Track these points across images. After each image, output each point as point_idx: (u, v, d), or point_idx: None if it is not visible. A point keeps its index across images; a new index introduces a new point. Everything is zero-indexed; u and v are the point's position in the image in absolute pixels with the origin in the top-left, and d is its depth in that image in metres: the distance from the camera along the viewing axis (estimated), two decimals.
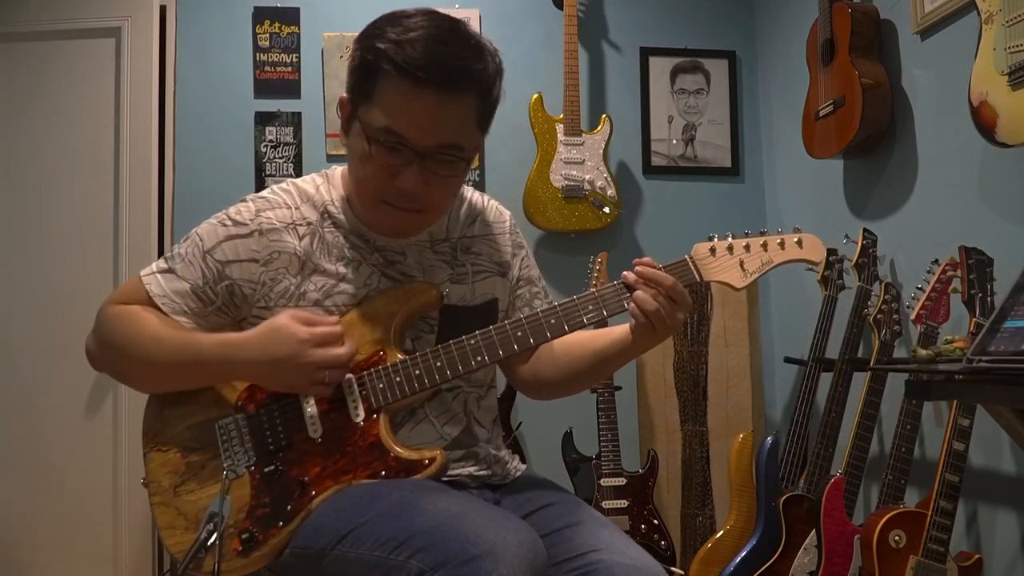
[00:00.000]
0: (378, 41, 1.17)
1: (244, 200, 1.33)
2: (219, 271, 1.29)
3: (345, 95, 1.25)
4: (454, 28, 1.20)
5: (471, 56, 1.19)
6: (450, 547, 1.01)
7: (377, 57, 1.16)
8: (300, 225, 1.31)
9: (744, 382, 2.80)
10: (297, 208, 1.32)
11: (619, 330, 1.31)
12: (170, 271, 1.30)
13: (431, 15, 1.20)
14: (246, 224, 1.29)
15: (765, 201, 3.24)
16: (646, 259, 1.25)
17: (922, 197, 2.36)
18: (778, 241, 1.28)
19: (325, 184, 1.35)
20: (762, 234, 1.29)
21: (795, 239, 1.28)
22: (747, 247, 1.27)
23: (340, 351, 1.22)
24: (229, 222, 1.30)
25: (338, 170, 1.37)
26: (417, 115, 1.18)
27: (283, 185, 1.35)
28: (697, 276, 1.26)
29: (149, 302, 1.29)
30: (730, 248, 1.27)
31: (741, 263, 1.27)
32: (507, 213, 1.47)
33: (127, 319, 1.29)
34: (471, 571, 0.98)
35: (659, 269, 1.24)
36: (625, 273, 1.25)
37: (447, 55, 1.16)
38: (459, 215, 1.40)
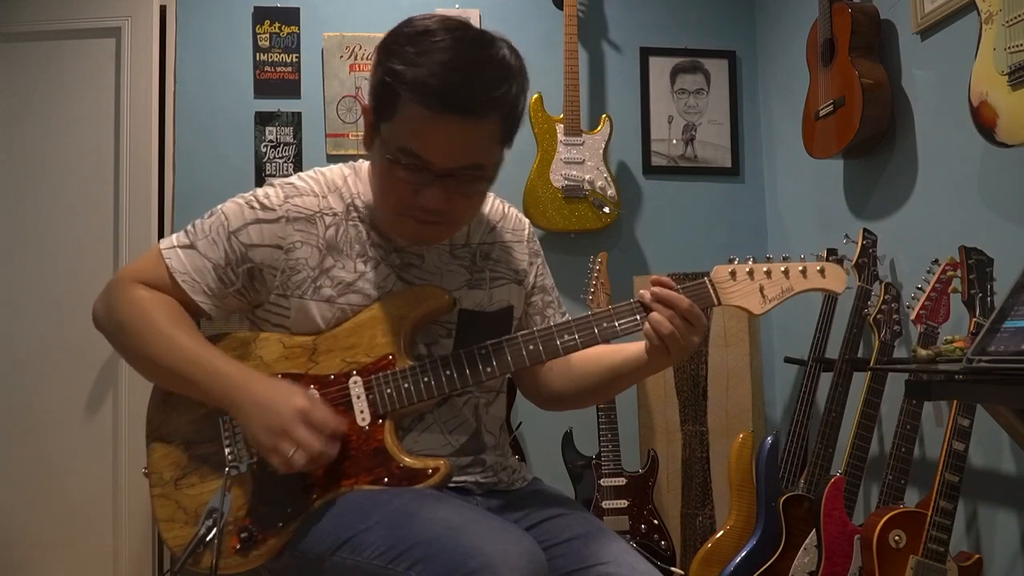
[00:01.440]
0: (397, 62, 1.15)
1: (271, 184, 1.32)
2: (243, 253, 1.27)
3: (367, 107, 1.24)
4: (475, 50, 1.16)
5: (491, 81, 1.16)
6: (449, 559, 1.01)
7: (395, 79, 1.15)
8: (327, 215, 1.30)
9: (744, 382, 2.80)
10: (324, 197, 1.31)
11: (634, 347, 1.29)
12: (192, 247, 1.28)
13: (454, 33, 1.16)
14: (274, 209, 1.28)
15: (765, 201, 3.24)
16: (664, 279, 1.23)
17: (922, 197, 2.36)
18: (800, 269, 1.26)
19: (353, 176, 1.34)
20: (784, 260, 1.27)
21: (818, 268, 1.26)
22: (768, 273, 1.26)
23: (318, 444, 1.15)
24: (257, 205, 1.28)
25: (365, 165, 1.36)
26: (437, 139, 1.16)
27: (310, 173, 1.34)
28: (715, 299, 1.24)
29: (169, 279, 1.27)
30: (751, 273, 1.25)
31: (761, 289, 1.25)
32: (526, 221, 1.48)
33: (145, 309, 1.26)
34: None
35: (676, 290, 1.22)
36: (642, 292, 1.23)
37: (465, 82, 1.14)
38: (479, 221, 1.39)
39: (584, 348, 1.25)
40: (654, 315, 1.20)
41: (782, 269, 1.26)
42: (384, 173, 1.21)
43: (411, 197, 1.20)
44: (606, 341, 1.26)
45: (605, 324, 1.24)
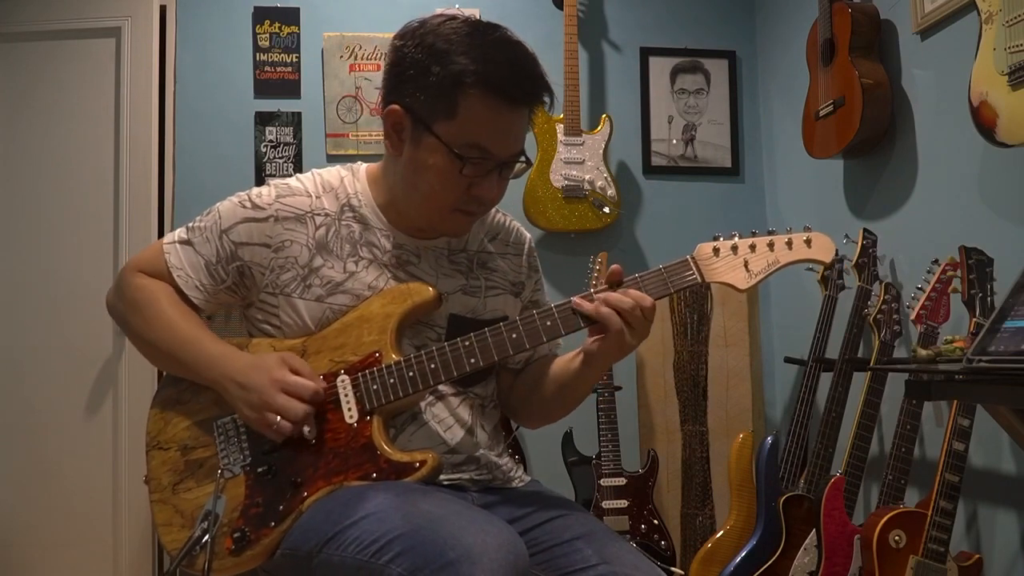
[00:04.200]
0: (458, 59, 1.18)
1: (268, 184, 1.35)
2: (232, 251, 1.31)
3: (399, 108, 1.24)
4: (519, 44, 1.23)
5: (540, 72, 1.24)
6: (428, 550, 1.01)
7: (461, 76, 1.18)
8: (317, 214, 1.31)
9: (744, 382, 2.80)
10: (318, 197, 1.33)
11: (573, 354, 1.33)
12: (189, 243, 1.33)
13: (495, 29, 1.23)
14: (264, 208, 1.31)
15: (765, 201, 3.24)
16: (614, 269, 1.23)
17: (922, 197, 2.36)
18: (786, 240, 1.23)
19: (350, 177, 1.36)
20: (769, 234, 1.24)
21: (804, 238, 1.23)
22: (752, 247, 1.23)
23: (298, 406, 1.20)
24: (249, 204, 1.32)
25: (363, 166, 1.39)
26: (507, 132, 1.23)
27: (308, 174, 1.37)
28: (699, 277, 1.23)
29: (167, 272, 1.33)
30: (734, 248, 1.23)
31: (746, 263, 1.22)
32: (527, 236, 1.48)
33: (146, 296, 1.33)
34: (449, 575, 0.98)
35: (620, 281, 1.22)
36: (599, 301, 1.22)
37: (529, 75, 1.22)
38: (480, 229, 1.40)
39: (568, 333, 1.25)
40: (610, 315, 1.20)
41: (767, 242, 1.23)
42: (443, 172, 1.23)
43: (466, 191, 1.24)
44: (588, 327, 1.25)
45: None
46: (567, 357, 1.36)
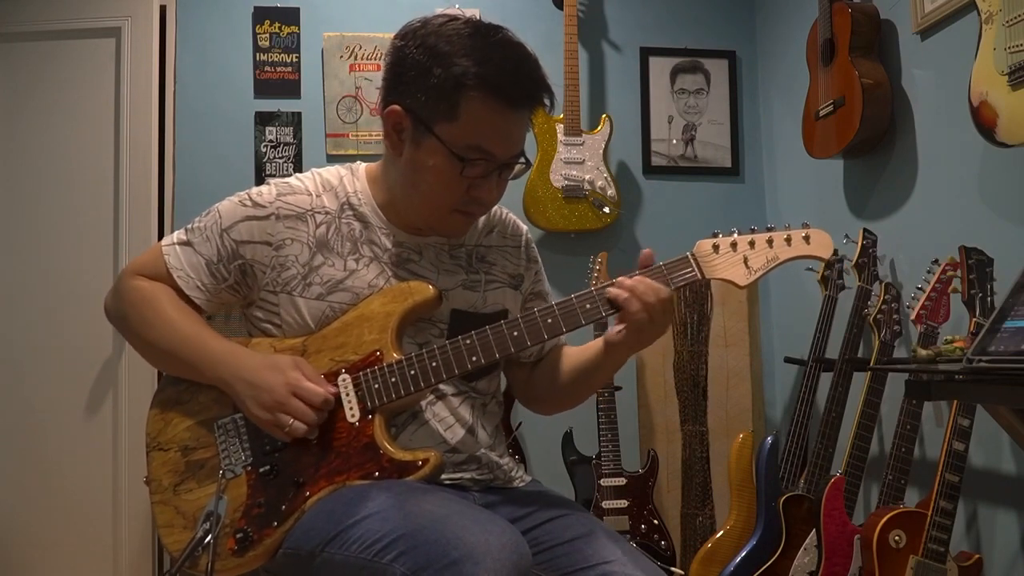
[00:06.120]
0: (460, 61, 1.18)
1: (268, 183, 1.35)
2: (234, 250, 1.31)
3: (400, 108, 1.24)
4: (520, 45, 1.24)
5: (541, 72, 1.24)
6: (431, 550, 1.01)
7: (463, 78, 1.18)
8: (318, 213, 1.32)
9: (744, 382, 2.80)
10: (318, 196, 1.33)
11: (597, 342, 1.33)
12: (188, 244, 1.33)
13: (496, 31, 1.23)
14: (264, 206, 1.31)
15: (765, 201, 3.24)
16: (645, 255, 1.25)
17: (922, 197, 2.37)
18: (784, 237, 1.24)
19: (349, 176, 1.37)
20: (768, 230, 1.25)
21: (802, 235, 1.24)
22: (752, 243, 1.24)
23: (309, 412, 1.21)
24: (249, 203, 1.32)
25: (362, 166, 1.39)
26: (508, 134, 1.23)
27: (307, 173, 1.37)
28: (699, 274, 1.23)
29: (167, 274, 1.32)
30: (734, 245, 1.24)
31: (745, 260, 1.23)
32: (523, 228, 1.49)
33: (145, 297, 1.32)
34: (452, 574, 0.98)
35: (656, 269, 1.24)
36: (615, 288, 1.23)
37: (530, 76, 1.22)
38: (477, 224, 1.41)
39: (570, 331, 1.26)
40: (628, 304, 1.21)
41: (766, 239, 1.24)
42: (443, 173, 1.23)
43: (466, 192, 1.25)
44: (590, 323, 1.27)
45: (589, 305, 1.24)
46: (587, 346, 1.37)
